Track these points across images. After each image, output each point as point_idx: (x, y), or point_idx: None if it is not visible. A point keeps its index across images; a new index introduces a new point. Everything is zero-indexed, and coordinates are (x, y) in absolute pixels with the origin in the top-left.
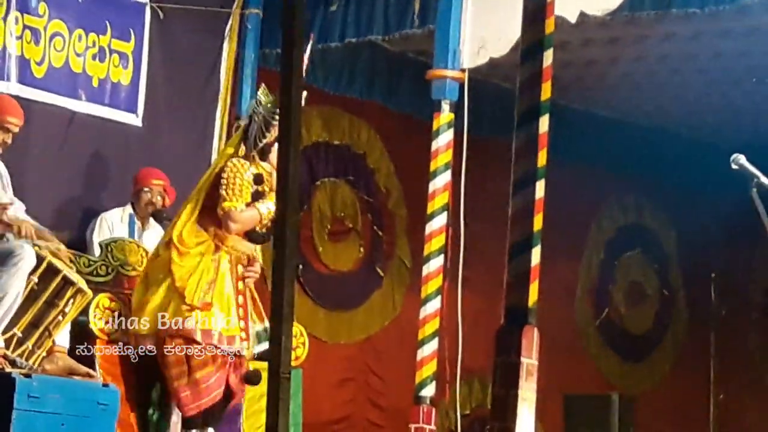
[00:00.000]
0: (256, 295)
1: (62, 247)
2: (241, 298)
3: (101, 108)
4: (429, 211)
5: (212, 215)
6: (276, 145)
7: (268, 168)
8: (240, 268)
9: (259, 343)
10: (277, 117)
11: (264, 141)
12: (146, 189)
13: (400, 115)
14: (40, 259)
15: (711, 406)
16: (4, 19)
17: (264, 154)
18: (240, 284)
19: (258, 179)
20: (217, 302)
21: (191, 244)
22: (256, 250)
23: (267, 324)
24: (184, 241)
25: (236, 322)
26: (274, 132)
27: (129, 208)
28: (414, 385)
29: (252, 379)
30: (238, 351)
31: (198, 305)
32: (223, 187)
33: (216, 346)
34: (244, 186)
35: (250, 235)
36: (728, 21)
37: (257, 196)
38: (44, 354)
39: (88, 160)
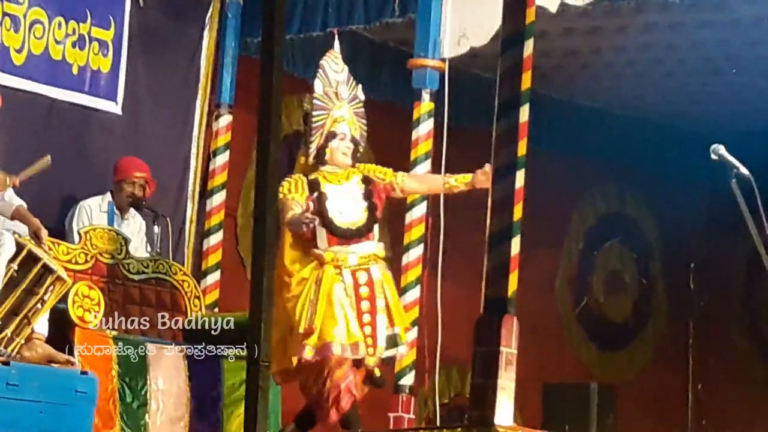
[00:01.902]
0: (392, 301)
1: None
2: (365, 304)
3: (81, 96)
4: (409, 200)
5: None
6: (332, 144)
7: (329, 169)
8: (364, 275)
9: (388, 348)
10: (314, 119)
11: (312, 146)
12: (128, 181)
13: (380, 104)
14: (20, 246)
15: (689, 396)
16: None
17: (320, 158)
18: (364, 291)
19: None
20: (324, 321)
21: (293, 271)
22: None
23: (397, 329)
24: (287, 269)
25: (357, 329)
26: (319, 136)
27: (108, 197)
28: (393, 374)
29: (378, 382)
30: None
31: (303, 332)
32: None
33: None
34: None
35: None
36: (708, 11)
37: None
38: (23, 341)
39: (68, 148)
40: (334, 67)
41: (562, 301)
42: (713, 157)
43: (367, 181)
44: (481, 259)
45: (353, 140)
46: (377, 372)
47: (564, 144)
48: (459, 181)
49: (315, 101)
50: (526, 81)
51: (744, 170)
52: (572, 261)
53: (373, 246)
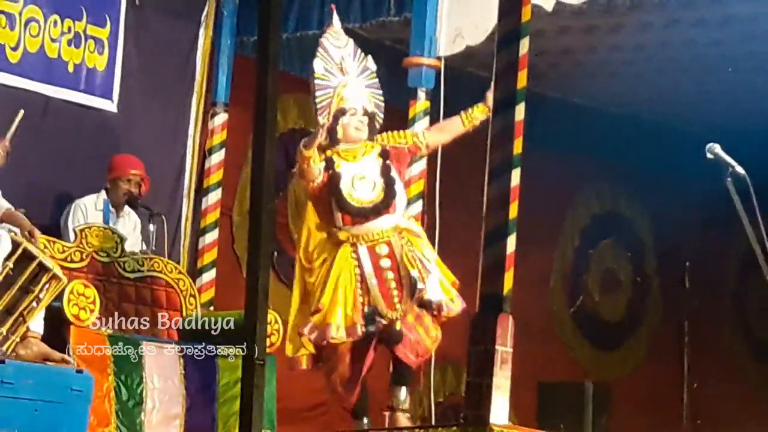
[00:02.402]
0: (423, 264)
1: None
2: (390, 274)
3: (76, 94)
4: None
5: (326, 213)
6: (343, 120)
7: (344, 147)
8: (385, 248)
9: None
10: (317, 101)
11: (321, 129)
12: (124, 179)
13: None
14: (15, 244)
15: (684, 395)
16: None
17: (333, 138)
18: (386, 263)
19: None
20: (330, 302)
21: (314, 256)
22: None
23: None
24: (308, 254)
25: (355, 310)
26: (327, 115)
27: (103, 195)
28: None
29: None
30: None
31: (312, 310)
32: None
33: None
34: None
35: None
36: (703, 10)
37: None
38: (18, 340)
39: (63, 146)
40: (335, 42)
41: (556, 300)
42: (708, 156)
43: (384, 154)
44: (476, 258)
45: (366, 113)
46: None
47: (559, 143)
48: (477, 113)
49: (316, 81)
50: (522, 79)
51: (739, 169)
52: (567, 260)
53: (394, 219)
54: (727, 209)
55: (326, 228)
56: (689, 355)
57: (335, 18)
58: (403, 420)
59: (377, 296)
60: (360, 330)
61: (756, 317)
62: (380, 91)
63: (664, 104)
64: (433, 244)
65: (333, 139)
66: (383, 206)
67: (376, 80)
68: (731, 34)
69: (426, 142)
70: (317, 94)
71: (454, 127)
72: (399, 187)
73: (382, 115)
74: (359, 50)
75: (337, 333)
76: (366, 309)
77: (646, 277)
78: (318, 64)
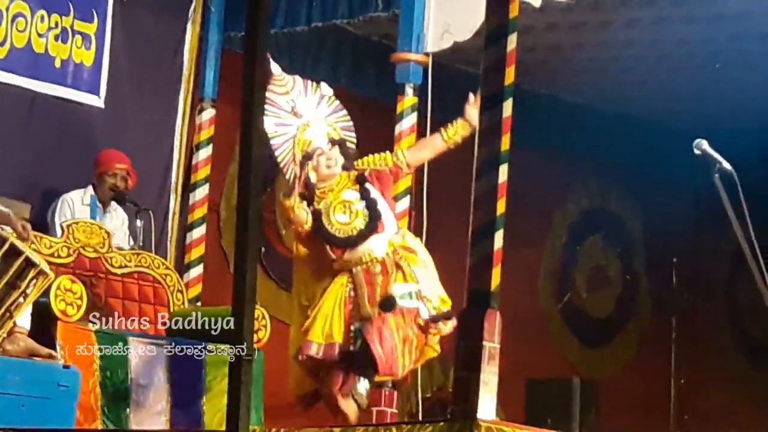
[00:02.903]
0: (415, 273)
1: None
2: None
3: (63, 89)
4: (392, 194)
5: (318, 251)
6: (312, 165)
7: (322, 186)
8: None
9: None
10: (278, 159)
11: (294, 182)
12: (110, 173)
13: (364, 98)
14: (2, 240)
15: (672, 391)
16: None
17: (309, 185)
18: (379, 279)
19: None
20: (315, 321)
21: (317, 294)
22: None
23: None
24: (306, 297)
25: (338, 330)
26: (294, 168)
27: (90, 190)
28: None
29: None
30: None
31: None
32: None
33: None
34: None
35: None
36: (692, 7)
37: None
38: (5, 335)
39: (50, 142)
40: (280, 90)
41: (545, 296)
42: (696, 151)
43: (361, 179)
44: (464, 254)
45: (335, 142)
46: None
47: (548, 139)
48: (458, 130)
49: (271, 142)
50: (510, 76)
51: (727, 165)
52: (555, 256)
53: (385, 237)
54: (716, 206)
55: (322, 263)
56: (677, 351)
57: (273, 65)
58: (349, 408)
59: (365, 305)
60: (337, 351)
61: (744, 314)
62: (343, 112)
63: (652, 101)
64: (421, 240)
65: (309, 186)
66: (369, 230)
67: (336, 102)
68: (721, 31)
69: (406, 161)
70: (276, 154)
71: (435, 145)
72: (383, 207)
73: (353, 135)
74: (309, 82)
75: (316, 351)
76: (353, 327)
77: (634, 274)
78: (268, 123)
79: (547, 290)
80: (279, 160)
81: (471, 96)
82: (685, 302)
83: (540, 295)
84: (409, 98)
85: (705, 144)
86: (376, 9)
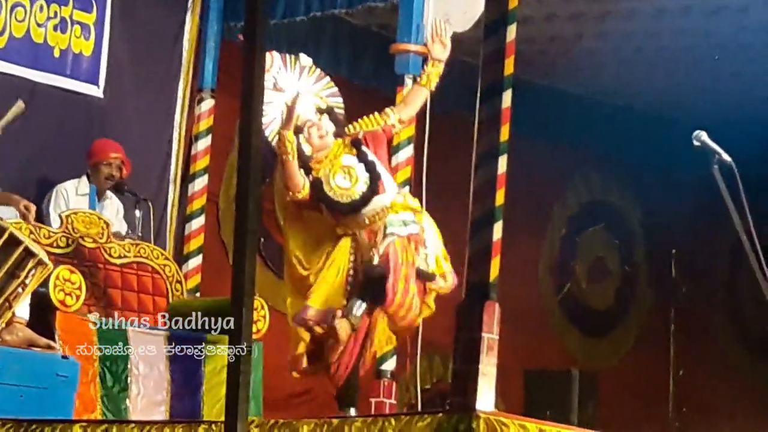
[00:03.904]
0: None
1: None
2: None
3: (62, 79)
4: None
5: (318, 218)
6: (304, 136)
7: (318, 156)
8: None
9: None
10: (270, 139)
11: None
12: (105, 163)
13: (363, 89)
14: (1, 229)
15: (671, 383)
16: None
17: (304, 156)
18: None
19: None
20: (318, 286)
21: (312, 258)
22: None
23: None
24: (303, 264)
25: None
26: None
27: (84, 180)
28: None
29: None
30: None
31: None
32: None
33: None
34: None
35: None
36: None
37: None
38: (3, 325)
39: (49, 132)
40: None
41: (544, 288)
42: (695, 143)
43: (357, 143)
44: (463, 245)
45: (323, 111)
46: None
47: (546, 130)
48: (430, 73)
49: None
50: (509, 66)
51: (726, 157)
52: (555, 248)
53: (387, 197)
54: (716, 198)
55: (322, 228)
56: (676, 343)
57: None
58: (342, 326)
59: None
60: (331, 319)
61: (743, 305)
62: (326, 79)
63: (652, 92)
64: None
65: (304, 157)
66: (371, 192)
67: (317, 71)
68: (720, 23)
69: (398, 117)
70: (266, 133)
71: (418, 94)
72: (381, 168)
73: (340, 100)
74: (287, 56)
75: (313, 316)
76: (350, 299)
77: (634, 266)
78: None
79: (547, 282)
80: (270, 138)
81: (428, 35)
82: (684, 294)
83: (539, 287)
84: (408, 89)
85: (704, 135)
86: None
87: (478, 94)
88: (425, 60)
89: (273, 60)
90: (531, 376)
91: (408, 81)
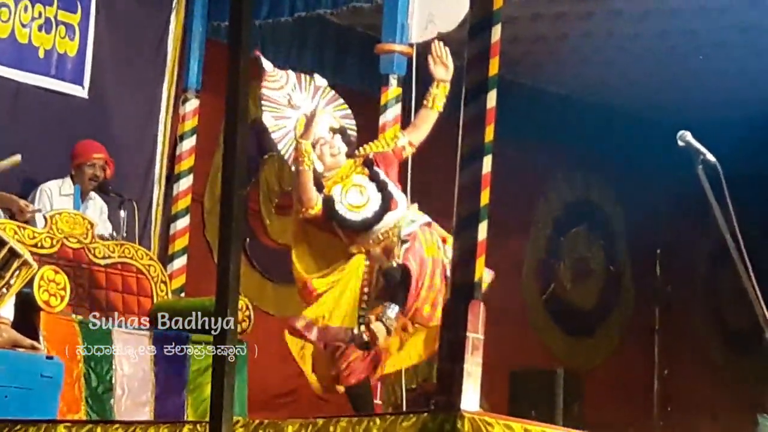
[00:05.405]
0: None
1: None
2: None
3: (47, 79)
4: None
5: (330, 235)
6: (316, 151)
7: (329, 174)
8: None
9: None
10: (282, 153)
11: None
12: (89, 163)
13: (347, 89)
14: None
15: (655, 382)
16: None
17: (317, 174)
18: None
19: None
20: (335, 305)
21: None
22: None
23: None
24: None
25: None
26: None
27: (68, 180)
28: None
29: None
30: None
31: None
32: None
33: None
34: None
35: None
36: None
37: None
38: None
39: (34, 132)
40: (274, 85)
41: (528, 288)
42: (680, 143)
43: (369, 163)
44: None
45: (335, 131)
46: None
47: (531, 130)
48: (437, 95)
49: (272, 136)
50: (494, 66)
51: (710, 157)
52: (539, 247)
53: (398, 213)
54: (700, 198)
55: (332, 246)
56: (660, 342)
57: (264, 62)
58: (379, 329)
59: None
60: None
61: (727, 305)
62: (340, 101)
63: (636, 92)
64: None
65: (316, 174)
66: (383, 210)
67: (331, 92)
68: (704, 24)
69: (408, 140)
70: (279, 147)
71: (426, 117)
72: (393, 187)
73: (352, 122)
74: (302, 75)
75: (302, 327)
76: (362, 317)
77: (618, 265)
78: (267, 118)
79: (531, 281)
80: (283, 154)
81: (429, 58)
82: (668, 293)
83: (524, 287)
84: (393, 89)
85: (689, 135)
86: None
87: (463, 95)
88: (410, 62)
89: (288, 78)
90: (516, 376)
91: (393, 81)
